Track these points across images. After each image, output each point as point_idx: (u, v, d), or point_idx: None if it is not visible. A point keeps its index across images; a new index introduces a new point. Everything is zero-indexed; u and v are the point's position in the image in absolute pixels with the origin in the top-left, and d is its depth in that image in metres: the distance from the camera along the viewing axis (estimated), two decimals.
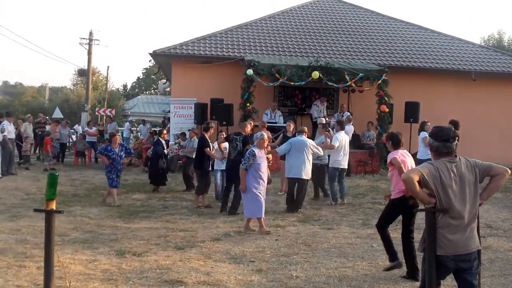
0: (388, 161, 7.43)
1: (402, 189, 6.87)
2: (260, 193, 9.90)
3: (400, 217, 7.47)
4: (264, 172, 10.02)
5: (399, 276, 6.92)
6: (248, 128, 12.53)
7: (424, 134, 13.64)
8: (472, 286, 4.46)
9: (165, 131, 16.93)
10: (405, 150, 7.72)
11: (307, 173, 11.80)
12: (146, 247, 8.55)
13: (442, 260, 4.33)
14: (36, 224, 10.13)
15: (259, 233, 9.59)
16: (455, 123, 12.92)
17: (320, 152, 12.24)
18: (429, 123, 13.96)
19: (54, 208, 4.34)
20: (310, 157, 11.87)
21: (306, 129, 12.66)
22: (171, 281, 6.63)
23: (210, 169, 13.22)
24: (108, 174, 13.11)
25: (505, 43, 54.26)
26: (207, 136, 12.98)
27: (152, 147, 16.46)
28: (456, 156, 4.45)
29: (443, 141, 4.42)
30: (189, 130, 16.35)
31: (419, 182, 4.30)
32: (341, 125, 13.37)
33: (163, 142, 15.76)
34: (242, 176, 9.96)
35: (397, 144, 7.67)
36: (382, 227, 7.50)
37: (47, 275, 4.32)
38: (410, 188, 4.32)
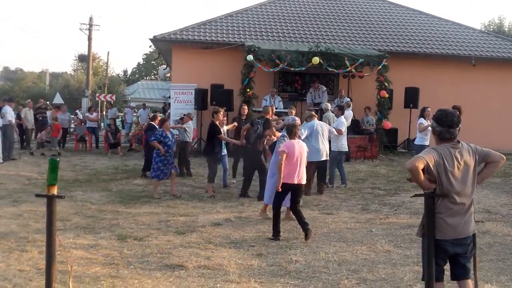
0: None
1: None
2: None
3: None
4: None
5: (398, 260, 6.97)
6: (270, 112, 12.47)
7: (421, 120, 13.61)
8: (465, 269, 4.54)
9: (158, 116, 16.83)
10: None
11: (327, 154, 12.24)
12: (147, 231, 8.62)
13: (441, 244, 4.39)
14: (38, 209, 10.18)
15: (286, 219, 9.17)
16: (458, 109, 12.94)
17: (335, 133, 12.76)
18: (429, 109, 13.92)
19: (56, 193, 4.37)
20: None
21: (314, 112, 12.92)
22: (172, 265, 6.70)
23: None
24: (160, 165, 11.93)
25: (506, 29, 54.09)
26: (216, 121, 12.45)
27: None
28: (458, 141, 4.48)
29: (447, 126, 4.43)
30: (184, 114, 16.29)
31: (422, 169, 4.32)
32: (341, 110, 13.44)
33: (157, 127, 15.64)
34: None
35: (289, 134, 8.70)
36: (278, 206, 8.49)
37: (48, 260, 4.35)
38: (414, 177, 4.33)
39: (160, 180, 12.12)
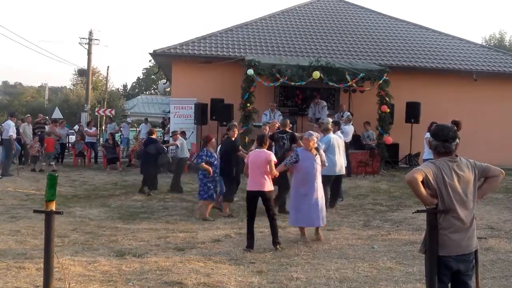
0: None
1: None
2: (303, 200, 9.03)
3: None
4: (310, 176, 9.00)
5: (400, 277, 6.86)
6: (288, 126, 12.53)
7: (428, 134, 13.61)
8: (467, 284, 4.47)
9: (155, 130, 16.78)
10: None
11: (343, 168, 12.39)
12: (146, 248, 8.52)
13: (445, 261, 4.30)
14: (36, 225, 10.11)
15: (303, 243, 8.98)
16: (456, 123, 12.93)
17: None
18: (434, 125, 13.90)
19: (54, 209, 4.31)
20: None
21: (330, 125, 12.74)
22: (171, 283, 6.59)
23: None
24: (210, 185, 11.46)
25: (507, 43, 54.24)
26: (232, 137, 11.97)
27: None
28: (456, 156, 4.43)
29: (442, 141, 4.39)
30: (172, 133, 16.20)
31: (422, 182, 4.26)
32: (338, 125, 13.38)
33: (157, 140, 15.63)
34: (280, 169, 9.21)
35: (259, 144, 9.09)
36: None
37: (46, 277, 4.30)
38: (414, 189, 4.26)
39: (214, 201, 11.69)
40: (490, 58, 23.39)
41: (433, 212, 4.28)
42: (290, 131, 12.31)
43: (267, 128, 12.89)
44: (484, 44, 44.21)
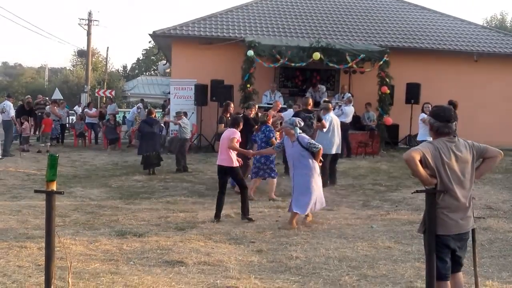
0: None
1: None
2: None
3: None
4: (290, 163, 9.28)
5: (398, 256, 6.92)
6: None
7: (423, 115, 13.65)
8: (460, 264, 4.58)
9: (153, 111, 16.85)
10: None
11: (340, 148, 12.89)
12: (147, 228, 8.58)
13: (444, 239, 4.35)
14: (37, 205, 10.18)
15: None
16: (453, 104, 13.03)
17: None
18: (429, 105, 13.95)
19: (55, 189, 4.34)
20: None
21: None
22: (171, 262, 6.65)
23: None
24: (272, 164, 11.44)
25: (508, 24, 54.02)
26: (250, 115, 12.27)
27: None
28: (454, 136, 4.46)
29: (446, 121, 4.41)
30: (176, 113, 16.23)
31: (420, 161, 4.29)
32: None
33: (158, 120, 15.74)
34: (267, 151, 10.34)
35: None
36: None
37: (48, 256, 4.32)
38: (412, 168, 4.29)
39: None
40: (491, 39, 23.28)
41: (432, 192, 4.31)
42: (314, 109, 12.45)
43: (272, 113, 12.91)
44: (485, 25, 43.98)
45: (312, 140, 9.10)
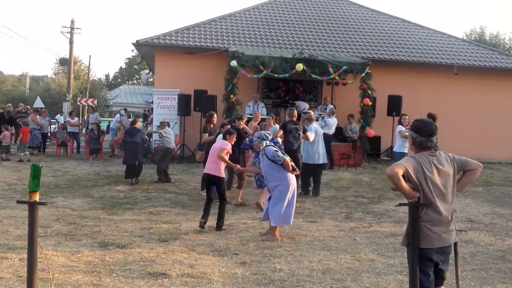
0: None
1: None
2: None
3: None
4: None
5: (382, 269, 6.95)
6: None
7: (400, 128, 13.80)
8: (442, 278, 4.61)
9: (138, 120, 16.84)
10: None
11: (324, 158, 13.19)
12: (129, 239, 8.52)
13: (427, 253, 4.39)
14: (18, 215, 10.08)
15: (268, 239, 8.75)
16: (432, 117, 13.23)
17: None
18: (406, 117, 14.16)
19: (38, 200, 4.31)
20: None
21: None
22: (154, 274, 6.61)
23: None
24: None
25: (487, 37, 54.72)
26: (240, 127, 12.40)
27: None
28: (436, 150, 4.51)
29: (428, 135, 4.47)
30: (160, 123, 16.21)
31: (403, 176, 4.34)
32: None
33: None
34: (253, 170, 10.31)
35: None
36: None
37: (30, 267, 4.28)
38: (395, 183, 4.34)
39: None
40: (471, 52, 23.61)
41: (415, 206, 4.36)
42: (298, 121, 12.65)
43: (241, 122, 12.85)
44: (465, 38, 44.53)
45: (278, 152, 8.86)
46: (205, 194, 9.92)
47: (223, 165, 9.64)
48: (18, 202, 4.57)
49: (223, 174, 9.67)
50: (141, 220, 10.13)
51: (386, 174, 4.40)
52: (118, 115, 26.89)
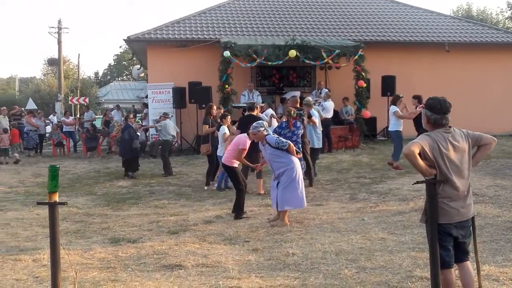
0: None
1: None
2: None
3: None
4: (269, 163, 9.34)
5: (394, 247, 7.02)
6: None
7: (395, 108, 13.88)
8: (466, 252, 4.65)
9: (131, 116, 16.89)
10: None
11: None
12: (139, 233, 8.56)
13: (446, 228, 4.44)
14: (24, 217, 10.10)
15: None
16: (419, 98, 13.61)
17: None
18: (402, 98, 14.23)
19: (57, 200, 4.34)
20: None
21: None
22: (170, 266, 6.64)
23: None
24: None
25: (474, 13, 54.81)
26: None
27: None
28: (450, 126, 4.55)
29: (443, 113, 4.50)
30: (160, 116, 16.28)
31: (419, 154, 4.38)
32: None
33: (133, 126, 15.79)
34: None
35: None
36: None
37: (53, 267, 4.31)
38: (412, 161, 4.37)
39: None
40: (461, 29, 23.68)
41: (432, 183, 4.40)
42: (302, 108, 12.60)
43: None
44: (452, 15, 44.60)
45: (280, 138, 8.96)
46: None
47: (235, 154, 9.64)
48: (39, 203, 4.60)
49: (235, 164, 9.72)
50: (148, 214, 10.17)
51: (404, 154, 4.44)
52: (114, 110, 26.91)
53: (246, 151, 9.75)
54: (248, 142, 9.60)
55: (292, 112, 11.12)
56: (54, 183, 4.40)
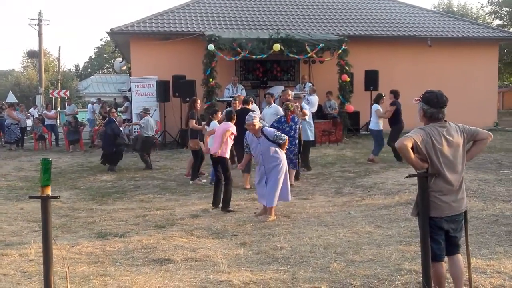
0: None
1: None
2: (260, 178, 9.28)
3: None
4: (257, 158, 9.18)
5: (381, 240, 7.08)
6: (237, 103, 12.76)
7: (377, 107, 14.00)
8: (457, 245, 4.70)
9: (113, 110, 16.84)
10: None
11: None
12: (126, 227, 8.53)
13: (437, 222, 4.49)
14: (8, 211, 10.00)
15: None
16: (395, 92, 13.92)
17: None
18: (384, 97, 14.34)
19: (50, 194, 4.30)
20: None
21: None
22: (158, 260, 6.62)
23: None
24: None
25: (455, 8, 55.16)
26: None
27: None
28: (445, 121, 4.58)
29: (440, 107, 4.53)
30: (142, 110, 16.25)
31: (412, 148, 4.41)
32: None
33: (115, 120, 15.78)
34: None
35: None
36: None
37: (46, 262, 4.27)
38: (404, 155, 4.41)
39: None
40: (443, 23, 23.87)
41: (423, 176, 4.44)
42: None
43: (236, 103, 12.87)
44: (434, 10, 44.90)
45: (278, 132, 9.09)
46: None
47: (226, 146, 9.70)
48: (31, 197, 4.55)
49: (227, 155, 9.80)
50: (134, 208, 10.13)
51: (396, 147, 4.47)
52: (89, 105, 26.79)
53: (234, 136, 9.87)
54: (234, 128, 9.70)
55: (290, 106, 11.15)
56: (47, 177, 4.37)
